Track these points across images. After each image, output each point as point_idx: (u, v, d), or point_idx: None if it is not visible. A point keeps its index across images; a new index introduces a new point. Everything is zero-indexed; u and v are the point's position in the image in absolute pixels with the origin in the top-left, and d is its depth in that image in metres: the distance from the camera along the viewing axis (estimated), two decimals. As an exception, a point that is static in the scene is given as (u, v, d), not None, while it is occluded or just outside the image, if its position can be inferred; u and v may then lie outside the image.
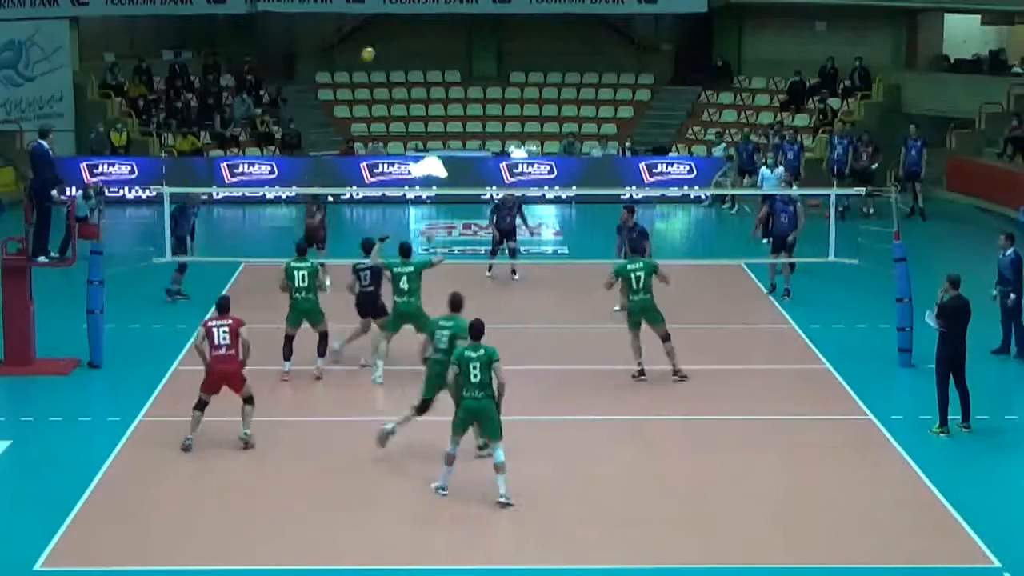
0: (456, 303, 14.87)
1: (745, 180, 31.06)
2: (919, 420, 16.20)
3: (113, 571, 12.42)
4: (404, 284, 17.46)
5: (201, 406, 15.31)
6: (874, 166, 30.12)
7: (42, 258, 18.61)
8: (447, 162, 31.29)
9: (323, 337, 17.71)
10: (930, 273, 21.45)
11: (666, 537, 13.13)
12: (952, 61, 37.30)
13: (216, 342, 15.13)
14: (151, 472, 14.74)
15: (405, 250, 17.80)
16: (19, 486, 14.60)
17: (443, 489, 13.90)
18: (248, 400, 15.33)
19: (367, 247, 18.06)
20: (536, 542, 13.02)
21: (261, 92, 36.79)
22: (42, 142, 19.22)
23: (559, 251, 26.85)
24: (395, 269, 17.54)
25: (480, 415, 13.78)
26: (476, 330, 13.84)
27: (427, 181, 30.49)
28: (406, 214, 31.01)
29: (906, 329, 18.44)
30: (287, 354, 17.77)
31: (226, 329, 15.17)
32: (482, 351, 13.68)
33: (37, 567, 12.35)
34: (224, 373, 15.19)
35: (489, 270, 23.69)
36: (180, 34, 38.67)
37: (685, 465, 15.03)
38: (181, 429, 15.99)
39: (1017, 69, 35.69)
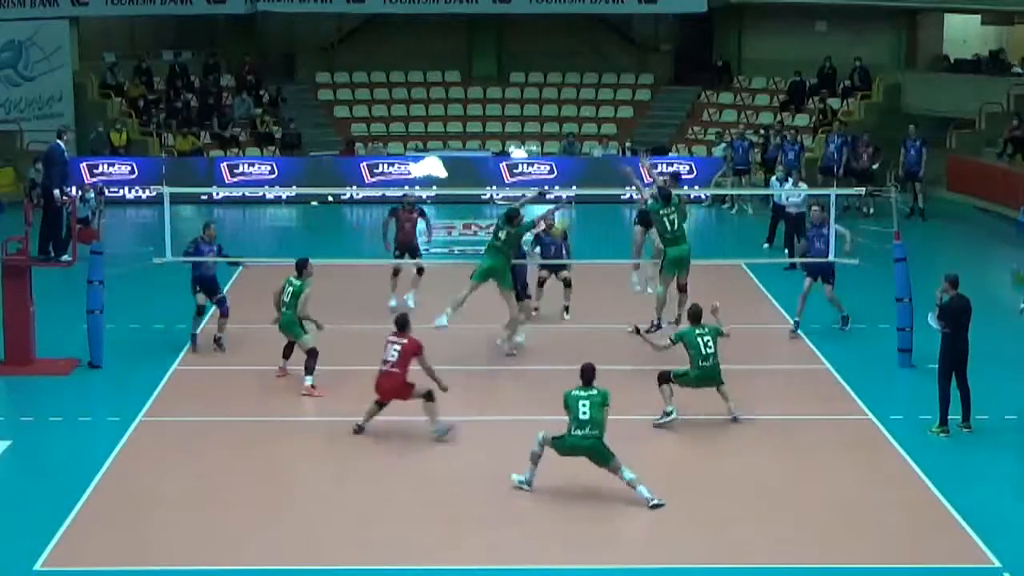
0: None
1: (742, 181, 30.93)
2: (919, 420, 16.20)
3: (113, 571, 12.42)
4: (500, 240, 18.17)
5: (379, 404, 15.52)
6: (875, 166, 30.09)
7: (65, 256, 18.67)
8: (447, 162, 31.34)
9: (310, 354, 17.30)
10: (930, 273, 21.41)
11: (666, 537, 13.13)
12: (952, 61, 37.31)
13: (385, 357, 15.27)
14: (151, 472, 14.74)
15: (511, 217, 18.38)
16: (19, 486, 14.59)
17: (525, 484, 14.02)
18: (426, 397, 15.35)
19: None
20: (536, 542, 13.02)
21: (261, 92, 36.80)
22: (59, 142, 19.24)
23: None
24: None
25: (586, 453, 13.89)
26: (587, 374, 14.06)
27: (427, 181, 30.51)
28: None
29: (906, 329, 18.44)
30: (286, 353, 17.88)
31: (397, 348, 15.26)
32: (595, 391, 13.92)
33: (37, 567, 12.34)
34: (386, 387, 15.35)
35: (536, 310, 20.77)
36: (180, 34, 38.67)
37: (684, 464, 15.03)
38: (181, 429, 16.04)
39: (1017, 69, 35.70)
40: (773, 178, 27.71)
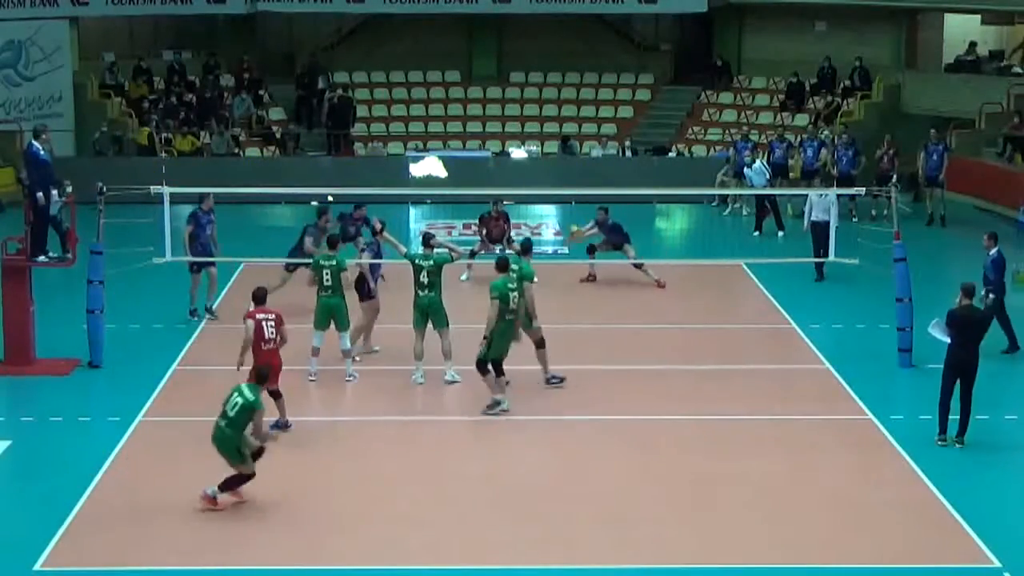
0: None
1: (742, 182, 30.86)
2: (919, 420, 16.19)
3: (113, 571, 12.42)
4: (424, 278, 17.40)
5: (275, 394, 15.41)
6: (854, 171, 29.66)
7: (41, 258, 18.61)
8: (447, 162, 31.33)
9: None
10: (931, 273, 21.48)
11: (666, 537, 13.13)
12: (952, 61, 37.29)
13: (265, 336, 15.31)
14: (151, 472, 14.73)
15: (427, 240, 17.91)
16: (19, 486, 14.60)
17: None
18: (277, 395, 15.46)
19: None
20: (536, 542, 13.02)
21: (261, 92, 36.80)
22: (34, 143, 19.18)
23: (559, 251, 26.82)
24: (416, 261, 17.53)
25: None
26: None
27: (427, 181, 30.50)
28: (406, 214, 30.98)
29: (906, 329, 18.43)
30: None
31: (272, 322, 15.39)
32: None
33: (37, 567, 12.34)
34: (278, 365, 15.37)
35: None
36: (180, 34, 38.68)
37: (685, 465, 15.02)
38: (181, 429, 16.02)
39: (1017, 69, 35.67)
40: (747, 169, 28.01)
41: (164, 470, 14.77)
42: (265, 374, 14.12)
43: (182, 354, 19.08)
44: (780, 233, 27.11)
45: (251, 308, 15.69)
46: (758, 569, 12.50)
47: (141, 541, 12.96)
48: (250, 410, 13.42)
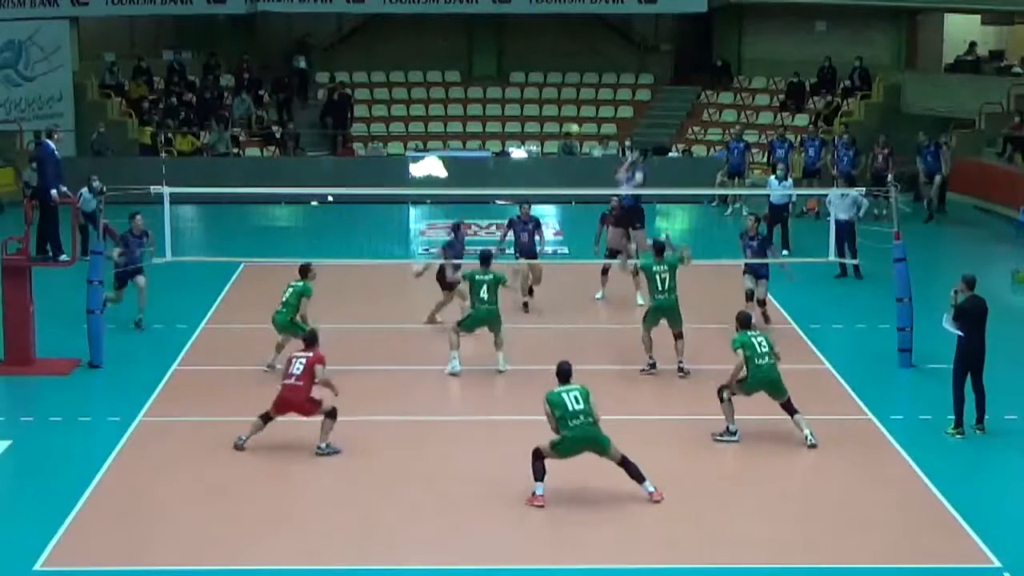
0: None
1: (735, 182, 30.87)
2: (919, 420, 16.21)
3: (113, 571, 12.41)
4: (484, 293, 18.06)
5: (265, 417, 15.11)
6: (855, 171, 29.71)
7: (64, 256, 18.68)
8: (447, 162, 31.35)
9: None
10: (931, 274, 21.48)
11: (666, 537, 13.12)
12: (952, 61, 37.32)
13: (290, 371, 15.04)
14: (151, 472, 14.73)
15: (485, 258, 18.43)
16: (19, 486, 14.61)
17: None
18: (329, 415, 15.07)
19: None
20: (536, 542, 13.02)
21: (261, 92, 36.81)
22: (48, 142, 19.22)
23: (559, 251, 26.82)
24: (476, 277, 18.18)
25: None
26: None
27: (427, 181, 30.52)
28: (406, 214, 31.01)
29: (906, 329, 18.43)
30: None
31: (303, 361, 15.04)
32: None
33: (37, 567, 12.33)
34: (288, 399, 15.00)
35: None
36: (180, 34, 38.73)
37: (685, 465, 15.02)
38: (181, 429, 16.03)
39: (1017, 69, 35.69)
40: (771, 177, 27.66)
41: (164, 470, 14.77)
42: (565, 371, 14.14)
43: (182, 354, 19.08)
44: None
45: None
46: (758, 569, 12.49)
47: (141, 541, 12.96)
48: (586, 390, 13.81)
